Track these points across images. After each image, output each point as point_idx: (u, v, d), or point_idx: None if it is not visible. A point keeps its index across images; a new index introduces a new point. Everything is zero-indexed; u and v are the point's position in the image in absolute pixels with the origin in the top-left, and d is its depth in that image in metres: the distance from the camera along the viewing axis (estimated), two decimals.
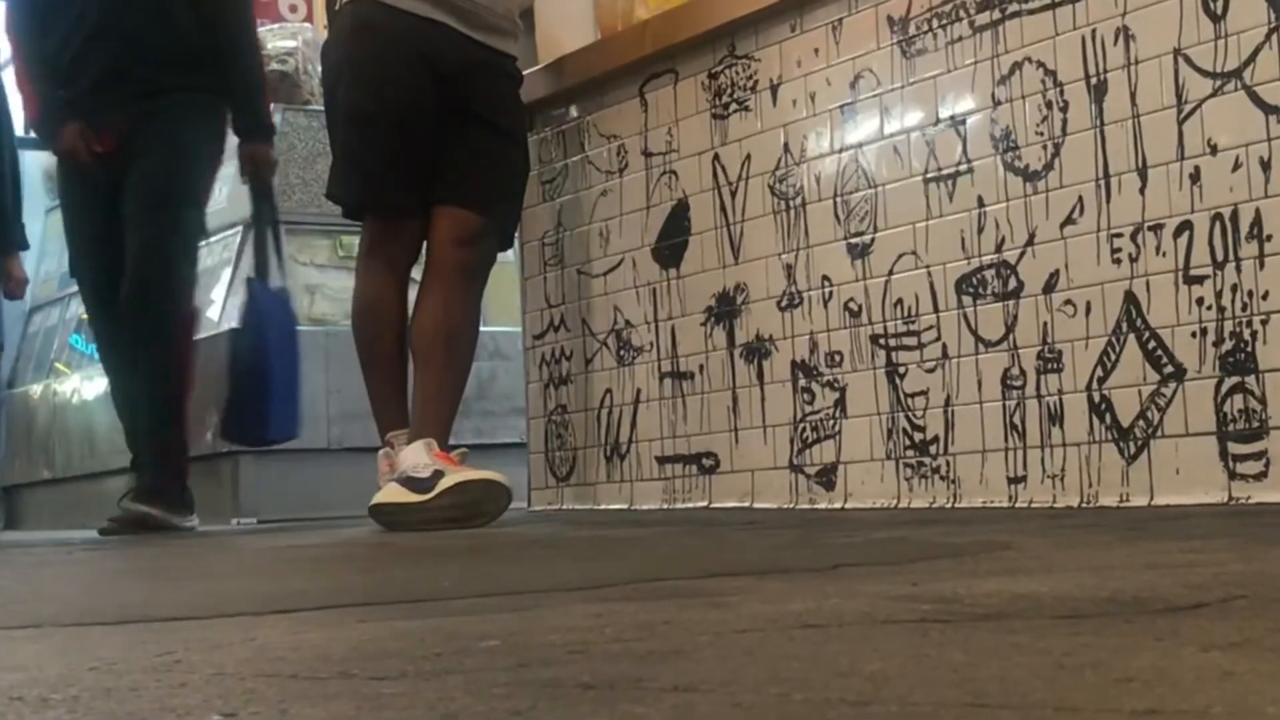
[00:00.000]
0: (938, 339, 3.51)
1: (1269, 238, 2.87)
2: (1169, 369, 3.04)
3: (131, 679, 1.20)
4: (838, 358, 3.77)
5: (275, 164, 5.21)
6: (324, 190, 4.51)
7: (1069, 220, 3.23)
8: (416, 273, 4.30)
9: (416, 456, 3.94)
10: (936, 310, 3.52)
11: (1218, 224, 2.96)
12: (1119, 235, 3.13)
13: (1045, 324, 3.27)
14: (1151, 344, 3.07)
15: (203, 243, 5.25)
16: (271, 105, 6.36)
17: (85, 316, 6.08)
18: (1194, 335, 2.99)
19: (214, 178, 5.11)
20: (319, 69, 6.22)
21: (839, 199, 3.78)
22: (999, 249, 3.38)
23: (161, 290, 4.87)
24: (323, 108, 4.65)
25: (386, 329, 4.19)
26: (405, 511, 3.88)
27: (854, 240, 3.73)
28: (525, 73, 4.45)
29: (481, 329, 4.36)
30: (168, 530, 4.82)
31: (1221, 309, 2.95)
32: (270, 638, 1.47)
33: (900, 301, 3.61)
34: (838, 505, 3.75)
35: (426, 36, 4.11)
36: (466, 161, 4.15)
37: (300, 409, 5.17)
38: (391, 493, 3.95)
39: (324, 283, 6.17)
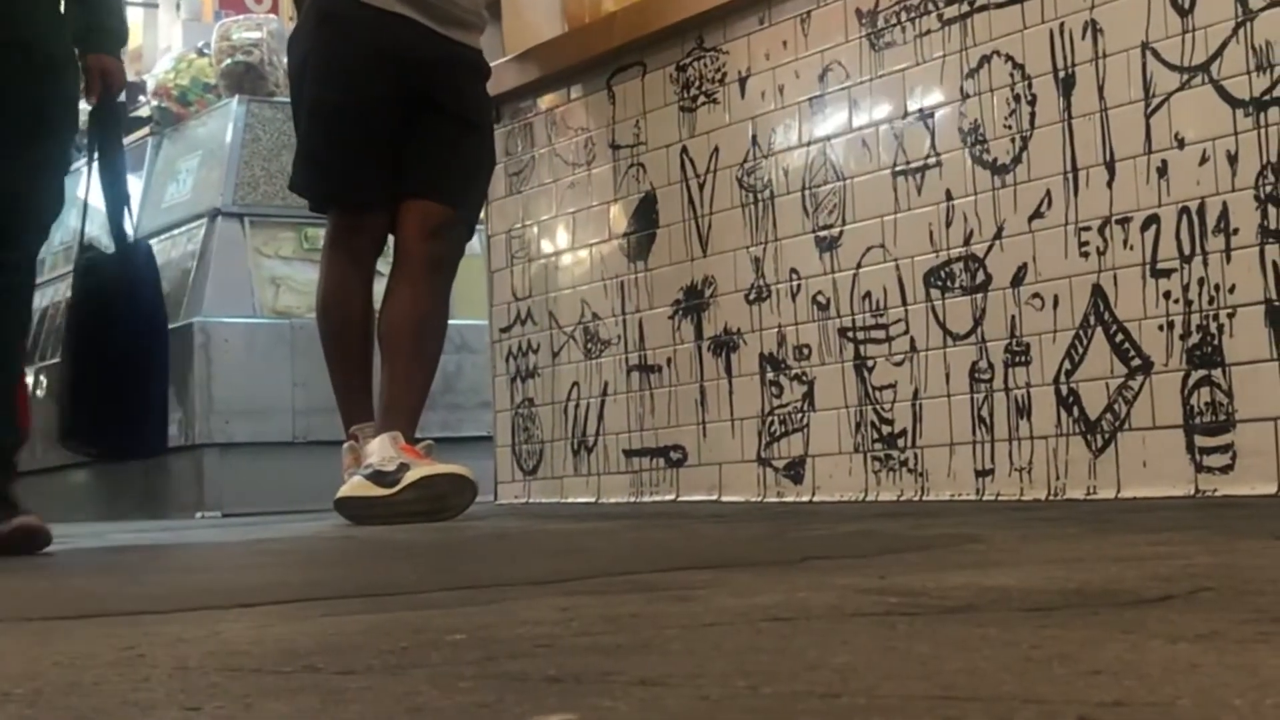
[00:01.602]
0: (906, 332, 3.52)
1: (1235, 231, 2.88)
2: (1136, 362, 3.04)
3: (94, 673, 1.19)
4: (806, 351, 3.77)
5: (125, 83, 4.12)
6: (288, 182, 4.48)
7: (1037, 213, 3.23)
8: (382, 265, 4.28)
9: (382, 450, 3.92)
10: (905, 303, 3.52)
11: (1185, 217, 2.96)
12: (1087, 229, 3.14)
13: (1013, 317, 3.28)
14: (1119, 337, 3.07)
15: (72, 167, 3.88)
16: (239, 97, 6.37)
17: None
18: (1161, 328, 3.00)
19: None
20: (284, 60, 6.20)
21: (807, 192, 3.78)
22: (967, 242, 3.38)
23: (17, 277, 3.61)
24: (288, 99, 4.61)
25: (351, 322, 4.17)
26: (370, 505, 3.86)
27: (822, 233, 3.73)
28: (493, 64, 4.44)
29: (449, 322, 4.34)
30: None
31: (1189, 302, 2.95)
32: (234, 632, 1.46)
33: (868, 294, 3.61)
34: (806, 498, 3.75)
35: (392, 30, 4.09)
36: (434, 154, 4.14)
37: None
38: (357, 486, 3.93)
39: (289, 275, 6.15)
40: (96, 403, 3.97)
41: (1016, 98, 3.29)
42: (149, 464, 6.08)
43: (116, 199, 3.98)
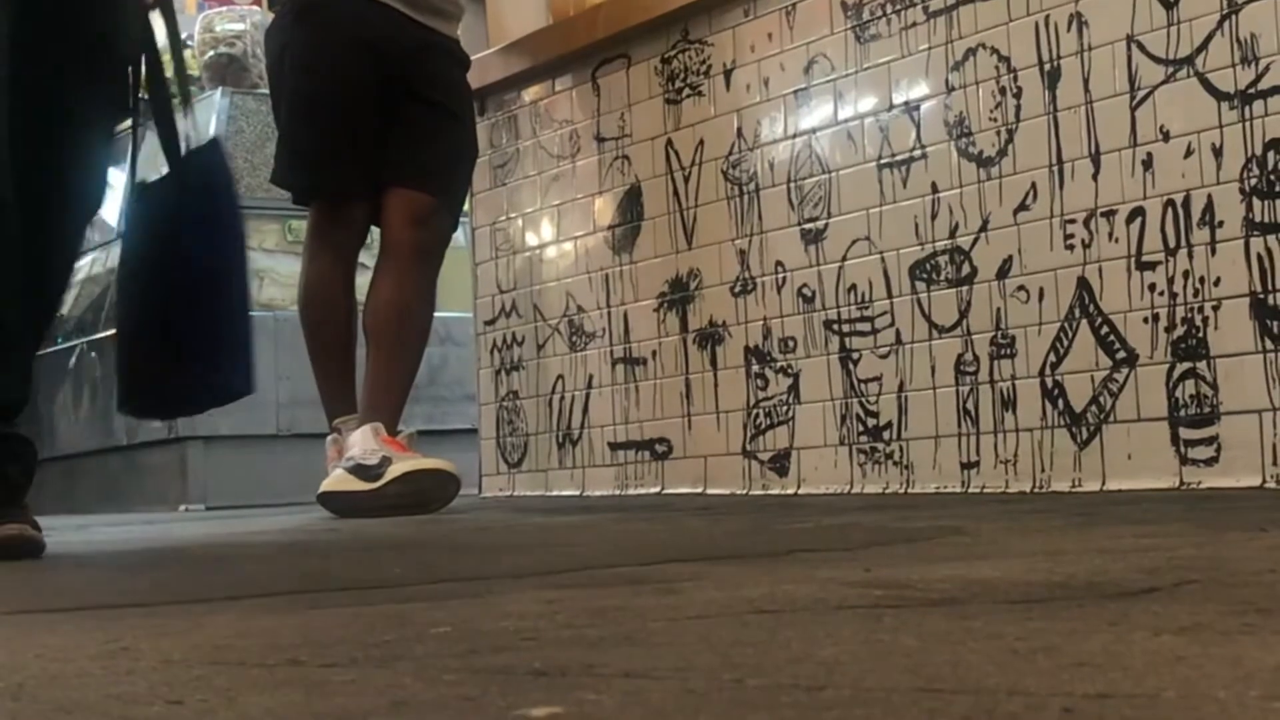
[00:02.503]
0: (891, 324, 3.52)
1: (1220, 224, 2.88)
2: (1121, 355, 3.05)
3: (77, 666, 1.19)
4: (791, 343, 3.77)
5: None
6: (270, 176, 4.47)
7: (1022, 206, 3.24)
8: (365, 258, 4.28)
9: (364, 442, 3.91)
10: (890, 296, 3.52)
11: (1170, 210, 2.97)
12: (1072, 221, 3.14)
13: (998, 310, 3.28)
14: (1104, 330, 3.08)
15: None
16: (222, 89, 6.35)
17: None
18: (1146, 321, 3.00)
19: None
20: None
21: (792, 184, 3.77)
22: (952, 235, 3.38)
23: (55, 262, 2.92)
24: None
25: (333, 314, 4.16)
26: (354, 499, 3.86)
27: (807, 226, 3.73)
28: (477, 56, 4.43)
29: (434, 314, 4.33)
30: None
31: (1174, 295, 2.96)
32: (218, 625, 1.46)
33: (854, 287, 3.61)
34: (791, 491, 3.75)
35: (370, 20, 4.08)
36: (416, 143, 4.13)
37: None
38: (340, 480, 3.92)
39: (272, 267, 6.13)
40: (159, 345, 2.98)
41: (1002, 90, 3.29)
42: (135, 459, 6.07)
43: (167, 124, 3.32)
